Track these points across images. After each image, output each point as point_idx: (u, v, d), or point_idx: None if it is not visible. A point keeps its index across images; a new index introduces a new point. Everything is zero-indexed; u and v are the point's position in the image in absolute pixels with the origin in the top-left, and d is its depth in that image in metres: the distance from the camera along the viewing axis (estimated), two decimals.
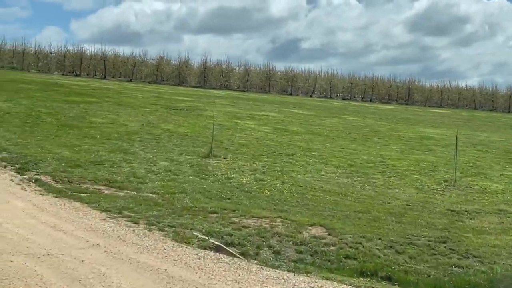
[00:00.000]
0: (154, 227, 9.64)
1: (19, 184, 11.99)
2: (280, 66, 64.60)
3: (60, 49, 53.76)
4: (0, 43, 48.87)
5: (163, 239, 8.99)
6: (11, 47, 49.91)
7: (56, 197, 11.27)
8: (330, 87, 63.50)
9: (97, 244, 8.25)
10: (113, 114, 22.51)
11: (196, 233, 9.39)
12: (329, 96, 62.34)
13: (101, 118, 21.34)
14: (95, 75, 53.88)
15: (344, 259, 9.05)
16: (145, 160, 15.30)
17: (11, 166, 13.52)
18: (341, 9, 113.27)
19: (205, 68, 59.50)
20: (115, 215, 10.23)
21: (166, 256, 8.03)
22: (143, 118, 22.57)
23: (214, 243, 9.01)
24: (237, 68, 61.43)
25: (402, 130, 28.13)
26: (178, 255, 8.12)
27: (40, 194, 11.40)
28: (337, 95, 64.12)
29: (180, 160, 15.63)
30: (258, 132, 22.30)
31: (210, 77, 59.44)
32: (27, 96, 24.17)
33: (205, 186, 12.87)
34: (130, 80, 53.36)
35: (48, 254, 7.53)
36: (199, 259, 8.07)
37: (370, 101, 61.33)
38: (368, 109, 45.09)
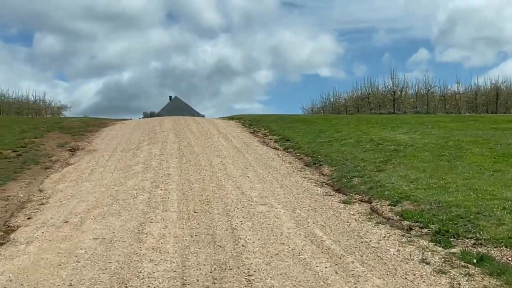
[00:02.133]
0: None
1: (439, 273, 5.06)
2: None
3: (470, 87, 47.62)
4: (402, 87, 44.84)
5: None
6: (413, 91, 45.61)
7: None
8: None
9: None
10: None
11: None
12: None
13: None
14: None
15: None
16: None
17: (420, 227, 6.74)
18: None
19: None
20: None
21: None
22: None
23: None
24: None
25: None
26: None
27: None
28: None
29: None
30: None
31: None
32: (437, 127, 17.69)
33: None
34: None
35: None
36: None
37: None
38: None
